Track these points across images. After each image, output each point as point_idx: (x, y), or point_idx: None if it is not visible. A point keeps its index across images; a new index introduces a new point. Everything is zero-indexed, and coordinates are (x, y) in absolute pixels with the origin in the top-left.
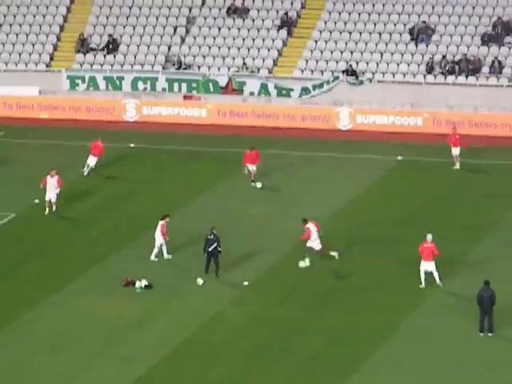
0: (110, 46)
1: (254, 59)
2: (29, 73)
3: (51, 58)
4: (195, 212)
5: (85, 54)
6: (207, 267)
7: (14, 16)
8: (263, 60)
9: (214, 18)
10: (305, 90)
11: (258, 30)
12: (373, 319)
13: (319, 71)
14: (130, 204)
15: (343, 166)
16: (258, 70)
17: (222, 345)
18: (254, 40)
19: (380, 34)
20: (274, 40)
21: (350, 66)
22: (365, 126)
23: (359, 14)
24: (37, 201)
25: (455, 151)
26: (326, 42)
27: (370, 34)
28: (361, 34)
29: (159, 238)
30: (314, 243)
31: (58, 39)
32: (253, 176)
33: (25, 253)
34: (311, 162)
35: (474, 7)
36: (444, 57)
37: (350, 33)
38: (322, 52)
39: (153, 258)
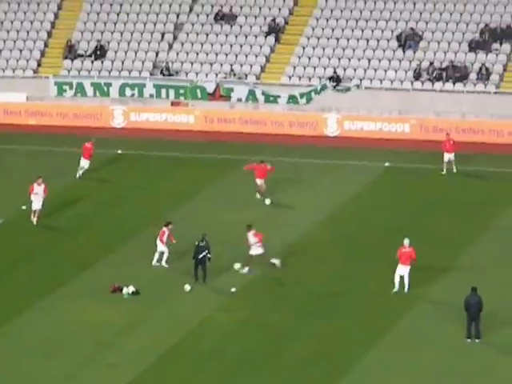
0: (98, 53)
1: (241, 65)
2: (16, 79)
3: (39, 65)
4: (183, 218)
5: (72, 61)
6: (196, 274)
7: (2, 22)
8: (251, 66)
9: (202, 25)
10: (292, 98)
11: (246, 37)
12: (363, 324)
13: (307, 77)
14: (118, 210)
15: (331, 172)
16: (246, 76)
17: (209, 351)
18: (241, 46)
19: (367, 41)
20: (261, 46)
21: (335, 72)
22: (352, 133)
23: (347, 21)
24: (24, 207)
25: (448, 157)
26: (314, 48)
27: (358, 40)
28: (348, 40)
29: (160, 245)
30: (257, 249)
31: (46, 45)
32: (262, 191)
33: (13, 259)
34: (299, 168)
35: (461, 14)
36: (431, 63)
37: (338, 39)
38: (309, 58)
39: (154, 263)
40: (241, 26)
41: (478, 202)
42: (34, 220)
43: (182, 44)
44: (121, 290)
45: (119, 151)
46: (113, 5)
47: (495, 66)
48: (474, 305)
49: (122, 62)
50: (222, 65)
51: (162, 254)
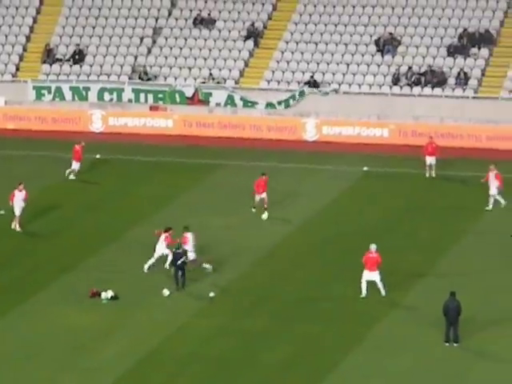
0: (77, 57)
1: (220, 70)
2: None
3: (17, 69)
4: (161, 222)
5: (51, 65)
6: (177, 281)
7: None
8: (230, 71)
9: (181, 29)
10: (270, 105)
11: (225, 41)
12: (340, 329)
13: (285, 82)
14: (97, 215)
15: (309, 176)
16: (225, 80)
17: (188, 356)
18: (220, 51)
19: (346, 46)
20: (240, 51)
21: (312, 77)
22: (331, 137)
23: (325, 25)
24: (2, 212)
25: (429, 160)
26: (293, 52)
27: (337, 45)
28: (327, 45)
29: (160, 250)
30: (190, 254)
31: (24, 50)
32: (265, 204)
33: None
34: (277, 172)
35: (439, 19)
36: (410, 68)
37: (317, 44)
38: (288, 63)
39: (145, 268)
40: (219, 31)
41: (456, 206)
42: (17, 227)
43: (161, 48)
44: (99, 294)
45: (97, 156)
46: (91, 9)
47: (473, 71)
48: (453, 309)
49: (101, 67)
50: (200, 69)
51: (160, 258)
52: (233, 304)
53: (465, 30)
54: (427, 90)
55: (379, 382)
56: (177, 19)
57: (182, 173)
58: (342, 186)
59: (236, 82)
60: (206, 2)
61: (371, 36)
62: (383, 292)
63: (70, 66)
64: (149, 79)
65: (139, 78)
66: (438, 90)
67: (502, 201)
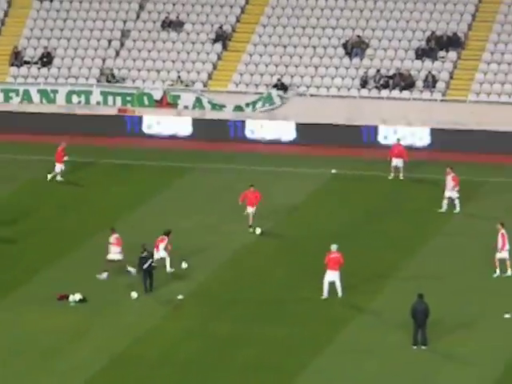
0: (45, 59)
1: (188, 73)
2: None
3: None
4: (131, 226)
5: (19, 67)
6: (145, 286)
7: None
8: (198, 73)
9: (149, 32)
10: (238, 108)
11: (193, 44)
12: (307, 332)
13: (254, 85)
14: (65, 218)
15: (277, 179)
16: (193, 83)
17: (156, 359)
18: (188, 54)
19: (314, 48)
20: (208, 53)
21: (279, 80)
22: (299, 140)
23: (294, 28)
24: None
25: (395, 162)
26: (261, 55)
27: (305, 47)
28: (295, 47)
29: (162, 251)
30: (117, 255)
31: None
32: (251, 220)
33: None
34: (246, 175)
35: (407, 22)
36: (378, 71)
37: (285, 46)
38: (256, 66)
39: (168, 269)
40: (188, 33)
41: (424, 208)
42: None
43: (129, 51)
44: (67, 297)
45: (66, 158)
46: (59, 12)
47: (441, 74)
48: (421, 311)
49: (69, 69)
50: (168, 72)
51: (160, 260)
52: (201, 306)
53: (433, 33)
54: (395, 93)
55: None
56: (145, 22)
57: (150, 176)
58: (309, 188)
59: (204, 85)
60: (174, 5)
61: (339, 39)
62: (340, 293)
63: (38, 68)
64: (117, 81)
65: (107, 80)
66: (406, 93)
67: (458, 207)
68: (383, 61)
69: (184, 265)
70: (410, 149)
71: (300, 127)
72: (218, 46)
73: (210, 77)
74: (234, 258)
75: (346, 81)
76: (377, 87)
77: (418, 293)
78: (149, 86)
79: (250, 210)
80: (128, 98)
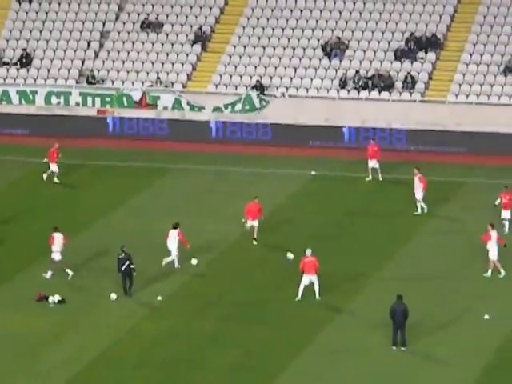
0: (24, 60)
1: (168, 74)
2: None
3: None
4: (109, 227)
5: None
6: (125, 287)
7: None
8: (177, 74)
9: (128, 33)
10: (217, 109)
11: (172, 45)
12: (287, 333)
13: (233, 86)
14: (43, 219)
15: (257, 180)
16: (172, 84)
17: (136, 359)
18: (167, 55)
19: (294, 49)
20: (188, 55)
21: (258, 81)
22: (279, 141)
23: (273, 29)
24: None
25: (371, 164)
26: (240, 56)
27: (284, 48)
28: (275, 48)
29: (173, 248)
30: (57, 254)
31: None
32: (255, 233)
33: None
34: (225, 176)
35: (386, 23)
36: (357, 72)
37: (264, 47)
38: (235, 67)
39: (177, 265)
40: (167, 34)
41: (403, 210)
42: None
43: (108, 52)
44: (46, 298)
45: (45, 160)
46: (38, 13)
47: (420, 75)
48: (400, 313)
49: (48, 70)
50: (148, 73)
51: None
52: (181, 307)
53: (412, 34)
54: (374, 94)
55: None
56: (124, 23)
57: (129, 177)
58: (289, 189)
59: (184, 86)
60: (153, 6)
61: (318, 40)
62: (318, 296)
63: (17, 69)
64: (97, 82)
65: (87, 81)
66: (385, 94)
67: (425, 209)
68: (362, 62)
69: (194, 261)
70: (389, 150)
71: (279, 128)
72: (198, 47)
73: (189, 78)
74: (215, 258)
75: (325, 82)
76: (356, 88)
77: (398, 294)
78: (128, 86)
79: (252, 223)
80: (107, 99)
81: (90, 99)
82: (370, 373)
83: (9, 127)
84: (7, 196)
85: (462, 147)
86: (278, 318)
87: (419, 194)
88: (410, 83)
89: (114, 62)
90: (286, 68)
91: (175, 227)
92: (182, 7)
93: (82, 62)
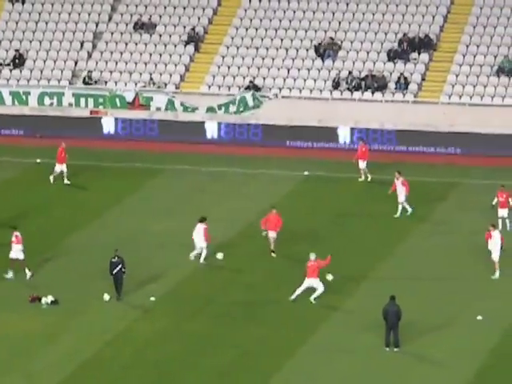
0: (17, 61)
1: (160, 74)
2: None
3: None
4: (103, 227)
5: None
6: (117, 289)
7: None
8: (170, 75)
9: (121, 33)
10: (210, 110)
11: (165, 46)
12: (282, 333)
13: (226, 87)
14: (39, 219)
15: (250, 181)
16: (165, 85)
17: (129, 360)
18: (160, 55)
19: (287, 50)
20: (181, 55)
21: (251, 82)
22: (272, 142)
23: (266, 30)
24: None
25: (360, 164)
26: (233, 57)
27: (277, 49)
28: (267, 49)
29: (201, 241)
30: (18, 253)
31: None
32: (272, 245)
33: None
34: (218, 177)
35: (379, 24)
36: (350, 73)
37: (257, 48)
38: (229, 67)
39: (192, 257)
40: (160, 35)
41: (396, 211)
42: None
43: (101, 53)
44: (39, 299)
45: (38, 160)
46: (31, 13)
47: (413, 76)
48: (393, 313)
49: (41, 71)
50: (141, 74)
51: (201, 250)
52: (175, 308)
53: (405, 34)
54: (367, 95)
55: None
56: (117, 24)
57: (123, 177)
58: (283, 190)
59: (177, 87)
60: (146, 7)
61: (312, 41)
62: (313, 299)
63: (10, 70)
64: (95, 82)
65: (84, 82)
66: (378, 95)
67: (410, 209)
68: (355, 63)
69: (219, 255)
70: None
71: (271, 129)
72: (191, 48)
73: (182, 79)
74: (208, 259)
75: (318, 83)
76: (349, 89)
77: (391, 295)
78: (121, 87)
79: (272, 234)
80: (100, 100)
81: (82, 100)
82: (364, 373)
83: (2, 128)
84: (1, 197)
85: (455, 148)
86: (272, 318)
87: (401, 196)
88: (403, 84)
89: (107, 62)
90: (279, 69)
91: (202, 221)
92: (174, 8)
93: (75, 63)
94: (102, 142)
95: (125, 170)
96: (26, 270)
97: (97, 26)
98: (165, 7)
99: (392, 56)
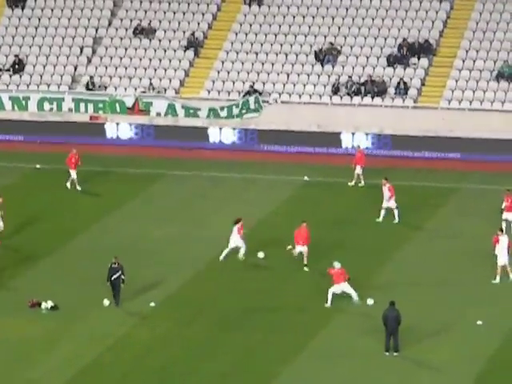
0: (16, 66)
1: (160, 80)
2: None
3: None
4: (103, 232)
5: None
6: (114, 296)
7: None
8: (170, 80)
9: (121, 39)
10: (212, 111)
11: (165, 51)
12: (281, 339)
13: (226, 92)
14: (38, 224)
15: (250, 186)
16: (165, 90)
17: (129, 366)
18: (160, 60)
19: (286, 55)
20: (180, 60)
21: (251, 87)
22: (272, 147)
23: (265, 35)
24: None
25: (357, 169)
26: (233, 62)
27: (277, 54)
28: (267, 54)
29: (236, 240)
30: None
31: None
32: (306, 259)
33: None
34: (218, 183)
35: (379, 29)
36: (350, 78)
37: (257, 53)
38: (228, 73)
39: (221, 257)
40: (160, 41)
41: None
42: None
43: (101, 58)
44: (39, 304)
45: (37, 166)
46: (31, 18)
47: (413, 81)
48: (392, 318)
49: (41, 76)
50: (140, 79)
51: (234, 249)
52: (175, 313)
53: (404, 39)
54: (367, 100)
55: None
56: (117, 29)
57: (123, 182)
58: (283, 195)
59: (176, 92)
60: (146, 12)
61: (311, 46)
62: (356, 299)
63: (10, 75)
64: (99, 87)
65: (87, 88)
66: (377, 100)
67: (396, 218)
68: (355, 68)
69: (261, 254)
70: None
71: (271, 134)
72: (190, 53)
73: (182, 84)
74: (207, 265)
75: (317, 88)
76: (349, 94)
77: (390, 300)
78: (121, 92)
79: (301, 248)
80: (100, 105)
81: (82, 105)
82: (363, 378)
83: (1, 133)
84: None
85: (455, 153)
86: (271, 323)
87: (386, 202)
88: (402, 89)
89: (106, 67)
90: (278, 74)
91: (236, 222)
92: (174, 13)
93: (75, 68)
94: (104, 147)
95: (126, 175)
96: None
97: (96, 31)
98: (164, 12)
99: (392, 61)
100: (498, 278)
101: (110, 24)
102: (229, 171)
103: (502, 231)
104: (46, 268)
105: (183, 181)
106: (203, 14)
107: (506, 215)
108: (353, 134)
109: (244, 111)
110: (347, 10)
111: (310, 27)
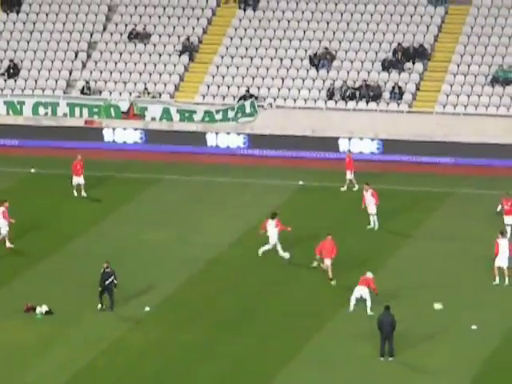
0: (11, 71)
1: (155, 84)
2: None
3: None
4: (98, 236)
5: None
6: (101, 300)
7: None
8: (165, 85)
9: (116, 43)
10: (208, 114)
11: (160, 55)
12: (277, 343)
13: (221, 96)
14: (33, 229)
15: (245, 191)
16: (160, 95)
17: (123, 370)
18: (155, 65)
19: (281, 60)
20: (175, 65)
21: (247, 91)
22: (267, 151)
23: (260, 40)
24: None
25: (348, 174)
26: (228, 67)
27: (272, 59)
28: (262, 59)
29: (274, 237)
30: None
31: None
32: (330, 273)
33: None
34: (213, 187)
35: (374, 33)
36: (345, 82)
37: (252, 58)
38: (223, 77)
39: (286, 255)
40: (155, 45)
41: (389, 220)
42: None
43: (96, 63)
44: (34, 309)
45: (32, 170)
46: (26, 23)
47: (408, 85)
48: (387, 323)
49: (36, 81)
50: (135, 83)
51: (273, 246)
52: (169, 318)
53: (399, 44)
54: (362, 105)
55: None
56: (112, 33)
57: (119, 187)
58: (277, 200)
59: (171, 97)
60: (141, 17)
61: (306, 50)
62: (369, 311)
63: (5, 80)
64: (85, 93)
65: (82, 92)
66: (372, 105)
67: (376, 224)
68: (350, 72)
69: (286, 255)
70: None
71: (266, 138)
72: (185, 58)
73: (176, 88)
74: (203, 269)
75: (312, 92)
76: (343, 99)
77: (385, 304)
78: (116, 97)
79: (328, 261)
80: (95, 110)
81: (77, 110)
82: (358, 383)
83: None
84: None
85: (449, 158)
86: (266, 327)
87: (372, 208)
88: (397, 94)
89: (101, 72)
90: (273, 79)
91: (273, 217)
92: (169, 18)
93: (70, 73)
94: (100, 152)
95: (121, 179)
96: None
97: (91, 35)
98: (159, 17)
99: (386, 66)
100: (497, 279)
101: (104, 29)
102: (224, 175)
103: (503, 234)
104: (42, 271)
105: (179, 185)
106: (198, 19)
107: (507, 219)
108: (349, 138)
109: (240, 115)
110: (342, 14)
111: (304, 32)
